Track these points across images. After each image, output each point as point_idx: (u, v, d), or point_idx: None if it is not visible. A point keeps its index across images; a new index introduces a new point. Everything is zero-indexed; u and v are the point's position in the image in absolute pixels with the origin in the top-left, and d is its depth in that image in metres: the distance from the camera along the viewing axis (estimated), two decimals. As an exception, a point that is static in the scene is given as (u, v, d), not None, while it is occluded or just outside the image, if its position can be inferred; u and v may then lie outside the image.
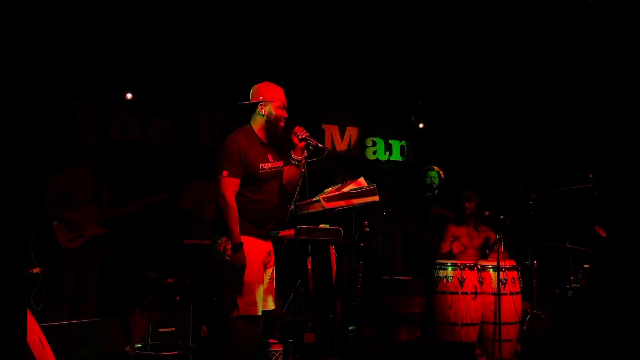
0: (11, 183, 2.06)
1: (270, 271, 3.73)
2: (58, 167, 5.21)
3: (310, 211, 3.61)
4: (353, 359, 3.69)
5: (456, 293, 5.24)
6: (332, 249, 4.19)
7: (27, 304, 3.20)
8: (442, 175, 6.47)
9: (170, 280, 4.22)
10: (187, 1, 5.52)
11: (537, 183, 6.07)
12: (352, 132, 7.75)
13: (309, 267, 3.97)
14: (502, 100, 7.64)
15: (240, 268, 3.44)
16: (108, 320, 4.66)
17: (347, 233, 3.84)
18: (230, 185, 3.48)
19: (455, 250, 5.82)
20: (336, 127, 7.68)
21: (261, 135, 3.67)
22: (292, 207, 3.56)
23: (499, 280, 5.19)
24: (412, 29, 6.21)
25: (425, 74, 7.27)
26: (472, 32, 6.22)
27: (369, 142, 7.84)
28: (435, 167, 6.67)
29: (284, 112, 3.64)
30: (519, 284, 5.36)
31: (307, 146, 3.58)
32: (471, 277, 5.26)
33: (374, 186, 3.71)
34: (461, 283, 5.23)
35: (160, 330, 4.72)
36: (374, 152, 7.84)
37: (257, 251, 3.57)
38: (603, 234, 5.36)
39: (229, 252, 3.46)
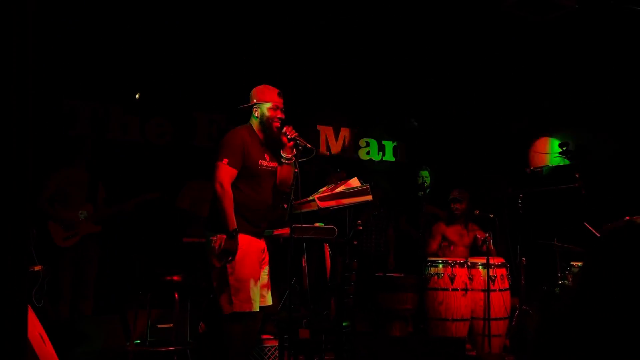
0: (12, 182, 2.06)
1: (265, 268, 3.73)
2: (58, 167, 5.20)
3: (305, 210, 3.62)
4: (347, 354, 3.70)
5: (447, 290, 5.26)
6: (327, 247, 4.19)
7: (29, 301, 3.20)
8: (434, 175, 6.50)
9: (168, 278, 4.22)
10: (185, 3, 5.50)
11: (525, 183, 6.10)
12: (346, 133, 7.75)
13: (304, 265, 3.97)
14: (492, 102, 7.66)
15: (232, 254, 3.42)
16: (108, 317, 4.65)
17: (341, 232, 3.84)
18: (227, 173, 3.50)
19: (440, 250, 5.84)
20: (330, 127, 7.68)
21: (259, 135, 3.71)
22: (287, 206, 3.56)
23: (488, 277, 5.21)
24: (405, 33, 6.21)
25: (417, 76, 7.28)
26: (463, 36, 6.23)
27: (362, 142, 7.85)
28: (427, 167, 6.69)
29: (278, 112, 3.66)
30: (508, 280, 5.39)
31: (296, 146, 3.60)
32: (461, 274, 5.28)
33: (367, 186, 3.72)
34: (452, 280, 5.25)
35: (159, 326, 4.73)
36: (368, 153, 7.85)
37: (252, 248, 3.57)
38: (592, 230, 5.39)
39: (222, 247, 3.46)
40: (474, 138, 7.72)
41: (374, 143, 7.88)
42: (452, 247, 5.79)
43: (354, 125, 7.79)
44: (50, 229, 5.01)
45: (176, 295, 4.17)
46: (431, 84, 7.46)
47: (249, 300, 3.48)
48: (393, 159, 7.96)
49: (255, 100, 3.70)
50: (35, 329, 3.08)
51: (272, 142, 3.75)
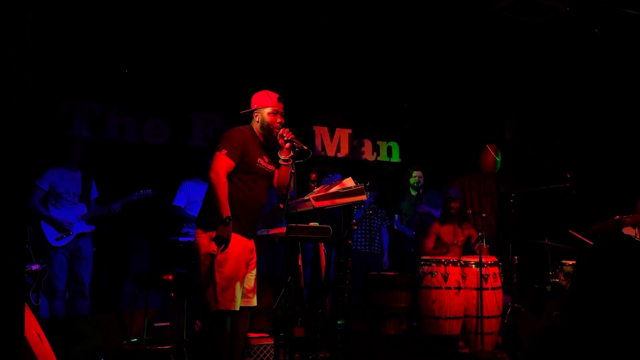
0: (10, 181, 2.05)
1: (253, 269, 3.73)
2: (50, 167, 5.19)
3: (300, 210, 3.62)
4: (342, 352, 3.70)
5: (440, 288, 5.26)
6: (322, 247, 4.19)
7: (26, 300, 3.18)
8: (426, 175, 6.51)
9: (165, 277, 4.20)
10: (182, 4, 5.49)
11: (517, 182, 6.12)
12: (341, 134, 7.76)
13: (299, 263, 3.97)
14: (484, 104, 7.68)
15: (225, 242, 3.41)
16: (105, 315, 4.64)
17: (336, 231, 3.84)
18: (224, 163, 3.50)
19: (436, 249, 5.85)
20: (326, 128, 7.69)
21: (260, 138, 3.75)
22: (283, 206, 3.56)
23: (481, 275, 5.22)
24: (399, 36, 6.22)
25: (411, 78, 7.29)
26: (456, 38, 6.24)
27: (357, 143, 7.86)
28: (420, 167, 6.70)
29: (277, 117, 3.70)
30: (500, 279, 5.40)
31: (292, 147, 3.62)
32: (455, 272, 5.29)
33: (361, 186, 3.72)
34: (445, 278, 5.26)
35: (156, 325, 4.71)
36: (362, 153, 7.85)
37: (239, 247, 3.56)
38: (578, 236, 5.42)
39: (214, 248, 3.46)
40: (467, 139, 7.74)
41: (368, 143, 7.89)
42: (449, 248, 5.79)
43: (350, 126, 7.80)
44: (44, 228, 5.01)
45: (172, 294, 4.15)
46: (426, 86, 7.47)
47: (233, 299, 3.49)
48: (387, 159, 7.97)
49: (256, 105, 3.75)
50: (33, 328, 3.06)
51: (271, 146, 3.79)
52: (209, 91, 6.61)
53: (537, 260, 5.96)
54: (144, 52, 6.11)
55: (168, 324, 4.43)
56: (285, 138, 3.62)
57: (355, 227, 5.29)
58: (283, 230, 3.63)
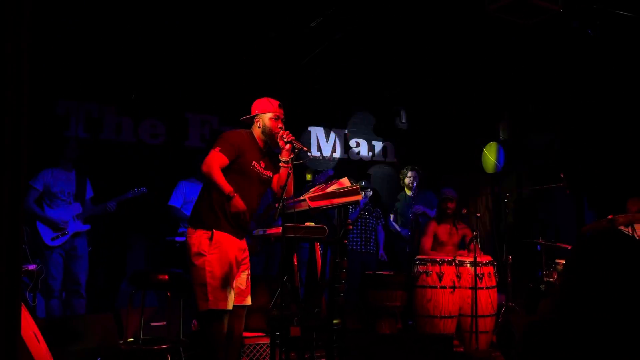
0: (7, 181, 2.04)
1: (245, 268, 3.73)
2: (44, 167, 5.18)
3: (296, 210, 3.62)
4: (337, 351, 3.70)
5: (435, 287, 5.27)
6: (318, 246, 4.19)
7: (22, 300, 3.17)
8: (421, 175, 6.51)
9: (161, 277, 4.19)
10: (178, 5, 5.48)
11: (512, 182, 6.13)
12: (337, 134, 7.76)
13: (295, 263, 3.96)
14: (479, 104, 7.70)
15: (242, 212, 3.44)
16: (101, 315, 4.63)
17: (332, 230, 3.84)
18: (218, 159, 3.52)
19: (433, 249, 5.86)
20: (321, 128, 7.69)
21: (260, 144, 3.76)
22: (279, 205, 3.55)
23: (475, 275, 5.22)
24: (394, 37, 6.22)
25: (407, 78, 7.30)
26: (451, 40, 6.25)
27: (352, 143, 7.87)
28: (415, 167, 6.70)
29: (279, 122, 3.73)
30: (495, 278, 5.41)
31: (292, 149, 3.65)
32: (449, 272, 5.29)
33: (357, 186, 3.72)
34: (440, 278, 5.26)
35: (152, 324, 4.70)
36: (358, 153, 7.86)
37: (230, 247, 3.56)
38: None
39: (204, 247, 3.46)
40: (461, 139, 7.75)
41: (364, 143, 7.90)
42: (446, 247, 5.79)
43: (345, 126, 7.81)
44: (39, 228, 5.00)
45: (169, 294, 4.14)
46: (421, 86, 7.48)
47: (224, 298, 3.48)
48: (383, 159, 7.98)
49: (257, 111, 3.78)
50: (29, 328, 3.05)
51: (271, 152, 3.79)
52: (205, 92, 6.60)
53: (531, 259, 5.98)
54: (142, 52, 6.10)
55: (164, 323, 4.43)
56: (285, 139, 3.65)
57: (351, 227, 5.28)
58: (279, 230, 3.63)
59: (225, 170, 3.56)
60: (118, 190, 5.42)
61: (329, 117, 7.68)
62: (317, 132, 7.63)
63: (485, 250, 5.59)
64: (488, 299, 5.25)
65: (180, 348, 4.24)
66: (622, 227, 5.59)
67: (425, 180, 6.70)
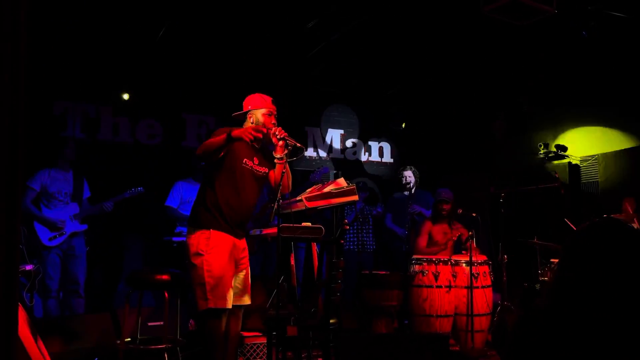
0: (3, 181, 2.03)
1: (244, 268, 3.72)
2: (42, 168, 5.16)
3: (293, 210, 3.61)
4: (334, 350, 3.69)
5: (431, 287, 5.27)
6: (314, 246, 4.18)
7: (19, 300, 3.15)
8: (418, 175, 6.51)
9: (158, 277, 4.18)
10: (176, 7, 5.47)
11: (507, 182, 6.14)
12: (333, 134, 7.76)
13: (292, 263, 3.96)
14: (474, 105, 7.71)
15: (248, 132, 3.38)
16: (98, 315, 4.61)
17: (328, 231, 3.83)
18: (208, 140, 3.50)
19: (428, 248, 5.86)
20: (318, 129, 7.69)
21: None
22: (275, 205, 3.55)
23: (471, 274, 5.23)
24: (391, 38, 6.23)
25: (404, 79, 7.31)
26: (447, 41, 6.26)
27: (349, 143, 7.87)
28: (411, 167, 6.70)
29: (272, 118, 3.70)
30: (490, 277, 5.41)
31: (286, 145, 3.62)
32: (445, 271, 5.29)
33: (353, 186, 3.72)
34: (436, 277, 5.26)
35: (149, 324, 4.69)
36: (354, 153, 7.86)
37: (228, 246, 3.55)
38: (572, 226, 5.43)
39: (202, 247, 3.46)
40: (457, 139, 7.76)
41: (360, 144, 7.90)
42: (441, 247, 5.79)
43: (341, 126, 7.81)
44: (37, 228, 4.98)
45: (166, 294, 4.13)
46: (417, 87, 7.49)
47: (224, 297, 3.47)
48: (379, 159, 7.98)
49: (250, 107, 3.74)
50: (27, 328, 3.04)
51: (265, 148, 3.77)
52: (202, 93, 6.60)
53: (526, 259, 5.98)
54: (139, 53, 6.09)
55: (162, 323, 4.41)
56: (278, 136, 3.62)
57: (348, 227, 5.28)
58: (276, 230, 3.62)
59: (217, 171, 3.54)
60: (115, 190, 5.41)
61: (326, 118, 7.68)
62: (313, 133, 7.62)
63: (480, 250, 5.59)
64: (484, 298, 5.25)
65: (178, 348, 4.23)
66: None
67: (422, 180, 6.71)
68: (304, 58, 6.55)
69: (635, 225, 5.94)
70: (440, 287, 5.26)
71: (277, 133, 3.63)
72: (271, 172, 3.80)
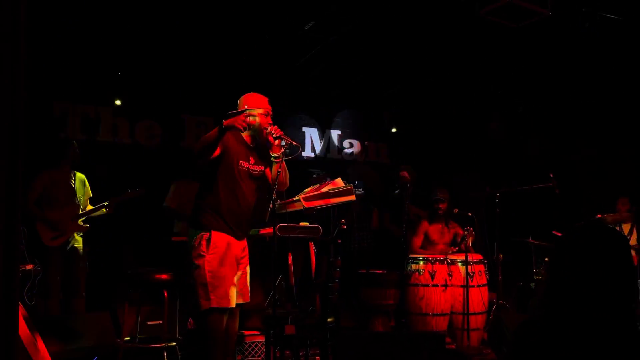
0: (2, 183, 2.03)
1: (243, 267, 3.72)
2: (44, 169, 5.15)
3: (290, 210, 3.62)
4: (331, 349, 3.70)
5: (427, 285, 5.27)
6: (312, 246, 4.19)
7: (20, 299, 3.15)
8: (414, 175, 6.52)
9: (157, 276, 4.18)
10: (174, 8, 5.47)
11: (502, 182, 6.15)
12: (330, 135, 7.76)
13: (290, 262, 3.96)
14: (471, 106, 7.72)
15: (240, 119, 3.39)
16: (99, 314, 4.61)
17: (326, 230, 3.84)
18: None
19: (424, 247, 5.87)
20: (315, 129, 7.69)
21: (248, 140, 3.71)
22: (271, 205, 3.55)
23: (467, 273, 5.24)
24: (387, 39, 6.24)
25: (399, 80, 7.31)
26: (443, 42, 6.26)
27: (346, 144, 7.87)
28: (408, 168, 6.71)
29: (268, 118, 3.69)
30: (486, 276, 5.42)
31: (282, 144, 3.62)
32: (441, 270, 5.30)
33: (350, 186, 3.73)
34: (432, 276, 5.27)
35: (149, 323, 4.69)
36: (351, 154, 7.86)
37: (229, 246, 3.56)
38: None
39: (203, 248, 3.46)
40: (453, 140, 7.77)
41: (357, 144, 7.91)
42: (438, 246, 5.80)
43: (338, 127, 7.81)
44: (39, 229, 4.98)
45: (165, 293, 4.14)
46: (413, 88, 7.50)
47: (225, 296, 3.48)
48: (375, 160, 7.99)
49: (246, 106, 3.70)
50: (27, 327, 3.03)
51: (261, 147, 3.76)
52: (201, 94, 6.59)
53: (522, 258, 5.99)
54: (138, 55, 6.08)
55: (161, 322, 4.41)
56: (274, 135, 3.62)
57: (345, 227, 5.28)
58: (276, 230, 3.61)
59: (214, 173, 3.53)
60: (115, 190, 5.41)
61: (323, 118, 7.68)
62: (310, 133, 7.62)
63: (476, 249, 5.60)
64: (479, 297, 5.26)
65: (177, 346, 4.23)
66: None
67: (418, 180, 6.71)
68: (302, 59, 6.55)
69: (628, 224, 5.96)
70: (436, 286, 5.26)
71: (273, 132, 3.62)
72: (268, 170, 3.78)
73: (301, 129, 7.52)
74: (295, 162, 3.75)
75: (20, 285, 4.49)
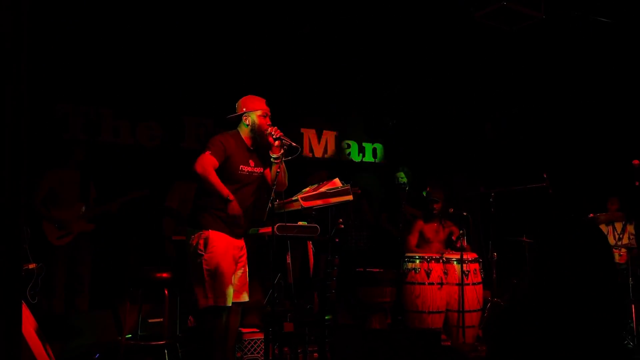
0: (5, 183, 2.03)
1: (242, 266, 3.73)
2: (50, 169, 5.16)
3: (288, 210, 3.63)
4: (329, 346, 3.71)
5: (423, 284, 5.29)
6: (310, 245, 4.20)
7: (23, 298, 3.15)
8: (411, 176, 6.53)
9: (158, 275, 4.19)
10: (174, 10, 5.47)
11: (496, 182, 6.16)
12: (328, 136, 7.77)
13: (288, 261, 3.97)
14: (466, 107, 7.73)
15: (238, 217, 3.48)
16: (100, 312, 4.62)
17: (324, 229, 3.85)
18: (209, 161, 3.51)
19: (419, 246, 5.88)
20: (313, 130, 7.69)
21: (248, 142, 3.73)
22: (270, 205, 3.56)
23: (462, 271, 5.25)
24: (385, 42, 6.25)
25: (396, 81, 7.32)
26: (439, 45, 6.28)
27: (344, 144, 7.87)
28: (404, 168, 6.72)
29: (267, 120, 3.70)
30: (481, 274, 5.44)
31: (282, 145, 3.62)
32: (437, 268, 5.32)
33: (347, 186, 3.73)
34: (428, 274, 5.29)
35: (150, 321, 4.70)
36: (349, 154, 7.87)
37: (227, 245, 3.57)
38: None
39: (201, 247, 3.47)
40: (449, 141, 7.78)
41: (354, 145, 7.91)
42: (433, 245, 5.81)
43: (336, 128, 7.81)
44: (45, 228, 4.98)
45: (166, 291, 4.14)
46: (409, 89, 7.50)
47: (223, 295, 3.49)
48: (373, 160, 7.99)
49: (244, 109, 3.72)
50: (30, 325, 3.04)
51: (261, 148, 3.77)
52: (201, 95, 6.59)
53: (516, 256, 6.00)
54: (139, 56, 6.08)
55: (161, 320, 4.42)
56: (274, 136, 3.63)
57: (342, 227, 5.30)
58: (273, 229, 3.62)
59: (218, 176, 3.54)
60: (117, 190, 5.42)
61: (321, 119, 7.68)
62: (309, 134, 7.62)
63: (471, 248, 5.61)
64: (474, 295, 5.28)
65: (177, 344, 4.24)
66: (602, 226, 5.64)
67: (415, 180, 6.72)
68: (301, 60, 6.55)
69: (620, 223, 5.98)
70: (432, 284, 5.28)
71: (272, 133, 3.64)
72: (267, 171, 3.79)
73: (300, 129, 7.51)
74: (294, 162, 3.75)
75: (23, 283, 4.49)
